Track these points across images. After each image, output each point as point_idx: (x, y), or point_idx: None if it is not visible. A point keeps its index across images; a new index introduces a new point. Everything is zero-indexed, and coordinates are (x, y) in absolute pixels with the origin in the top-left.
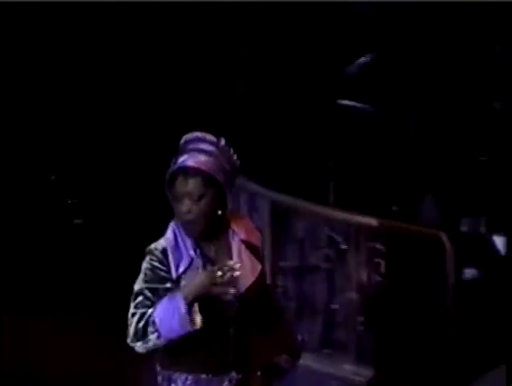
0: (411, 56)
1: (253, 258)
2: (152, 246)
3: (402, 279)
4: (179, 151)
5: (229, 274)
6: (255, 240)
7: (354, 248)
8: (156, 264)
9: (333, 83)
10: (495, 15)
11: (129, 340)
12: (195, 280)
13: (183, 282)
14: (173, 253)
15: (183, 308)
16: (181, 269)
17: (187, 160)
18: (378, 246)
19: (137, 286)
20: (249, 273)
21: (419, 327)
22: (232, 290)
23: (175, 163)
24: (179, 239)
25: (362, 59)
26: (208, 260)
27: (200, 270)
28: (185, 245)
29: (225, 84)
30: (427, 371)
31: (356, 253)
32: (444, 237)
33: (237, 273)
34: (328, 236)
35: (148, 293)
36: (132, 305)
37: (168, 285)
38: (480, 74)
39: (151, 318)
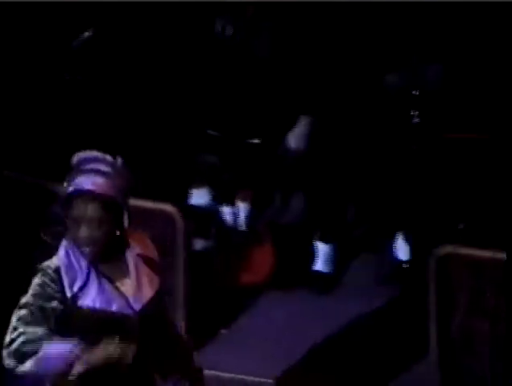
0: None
1: (150, 272)
2: (45, 264)
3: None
4: (73, 170)
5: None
6: (151, 253)
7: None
8: (48, 281)
9: (60, 57)
10: None
11: (4, 353)
12: (96, 352)
13: (79, 301)
14: (66, 272)
15: (69, 359)
16: (75, 289)
17: (85, 182)
18: None
19: (24, 299)
20: (148, 287)
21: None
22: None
23: (70, 184)
24: (73, 257)
25: (85, 34)
26: (104, 278)
27: (95, 291)
28: (79, 263)
29: None
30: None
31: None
32: (175, 211)
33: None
34: None
35: (33, 309)
36: (15, 317)
37: (54, 303)
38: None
39: (39, 352)
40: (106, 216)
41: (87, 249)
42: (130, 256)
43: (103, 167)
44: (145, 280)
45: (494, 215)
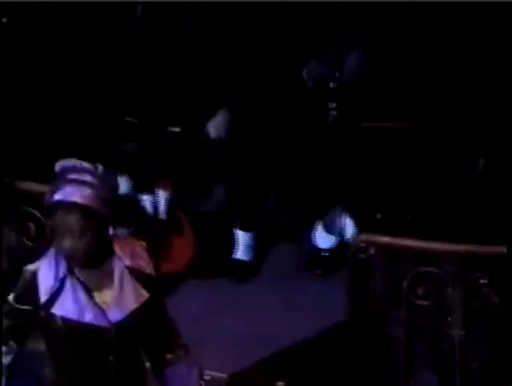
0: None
1: (138, 285)
2: (26, 266)
3: None
4: (56, 179)
5: None
6: (144, 266)
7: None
8: (23, 284)
9: None
10: None
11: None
12: None
13: (52, 309)
14: (42, 277)
15: None
16: (47, 296)
17: (65, 193)
18: (30, 209)
19: (10, 296)
20: (131, 300)
21: None
22: None
23: (52, 193)
24: (54, 262)
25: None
26: (80, 286)
27: (68, 299)
28: (57, 270)
29: None
30: None
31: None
32: None
33: None
34: None
35: (8, 310)
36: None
37: (25, 307)
38: None
39: None
40: (88, 226)
41: (70, 259)
42: (117, 267)
43: (83, 177)
44: (129, 292)
45: (412, 205)
